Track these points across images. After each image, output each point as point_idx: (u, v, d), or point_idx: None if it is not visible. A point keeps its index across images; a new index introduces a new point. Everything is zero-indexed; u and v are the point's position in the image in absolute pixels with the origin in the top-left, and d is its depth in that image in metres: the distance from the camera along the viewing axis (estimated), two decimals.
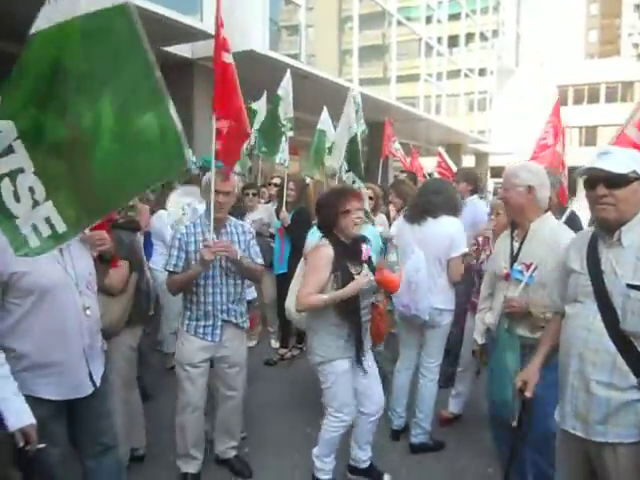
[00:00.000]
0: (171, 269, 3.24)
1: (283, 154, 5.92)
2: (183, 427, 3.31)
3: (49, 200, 1.98)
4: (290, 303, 4.15)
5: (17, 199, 1.96)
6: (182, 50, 9.61)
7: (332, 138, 6.00)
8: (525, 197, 2.82)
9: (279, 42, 11.49)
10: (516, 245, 2.91)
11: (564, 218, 3.30)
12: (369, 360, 3.25)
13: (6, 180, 1.94)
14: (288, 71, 5.89)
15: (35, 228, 1.97)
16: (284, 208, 5.26)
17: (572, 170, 2.94)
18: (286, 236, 5.29)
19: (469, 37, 23.68)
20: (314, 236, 4.14)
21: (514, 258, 2.87)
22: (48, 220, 1.98)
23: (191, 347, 3.26)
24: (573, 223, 3.61)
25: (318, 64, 12.27)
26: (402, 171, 8.61)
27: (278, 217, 5.34)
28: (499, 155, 29.29)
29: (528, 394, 2.33)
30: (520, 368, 2.58)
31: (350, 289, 2.99)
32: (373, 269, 3.22)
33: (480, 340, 3.14)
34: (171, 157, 1.90)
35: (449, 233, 3.67)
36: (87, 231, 2.47)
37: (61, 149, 1.96)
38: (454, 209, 3.85)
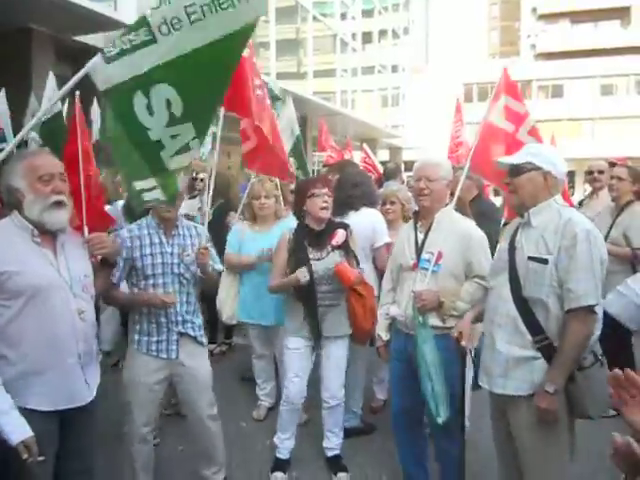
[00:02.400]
0: None
1: (205, 148, 5.88)
2: (132, 458, 2.93)
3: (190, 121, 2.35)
4: (220, 301, 4.20)
5: (150, 113, 2.31)
6: (96, 40, 9.19)
7: None
8: (445, 189, 2.99)
9: None
10: (420, 236, 2.96)
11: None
12: (336, 348, 3.33)
13: (138, 95, 2.27)
14: None
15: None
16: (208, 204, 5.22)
17: None
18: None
19: (382, 34, 24.31)
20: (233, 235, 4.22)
21: (419, 249, 2.93)
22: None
23: (143, 367, 2.87)
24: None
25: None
26: (324, 166, 8.73)
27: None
28: (413, 149, 30.36)
29: (464, 343, 2.58)
30: (435, 361, 2.71)
31: (289, 280, 3.18)
32: (350, 255, 3.30)
33: (385, 336, 3.10)
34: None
35: (371, 224, 3.83)
36: (86, 234, 2.43)
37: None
38: (373, 201, 4.04)
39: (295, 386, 3.34)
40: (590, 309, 2.20)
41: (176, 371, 2.93)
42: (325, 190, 3.29)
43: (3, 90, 5.46)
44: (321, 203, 3.25)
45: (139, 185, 2.51)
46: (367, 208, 3.88)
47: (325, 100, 17.43)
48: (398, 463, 3.19)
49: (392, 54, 25.78)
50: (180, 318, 2.91)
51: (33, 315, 2.13)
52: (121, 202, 4.64)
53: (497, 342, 2.37)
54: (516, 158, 2.42)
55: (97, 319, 2.48)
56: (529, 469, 2.36)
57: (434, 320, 2.84)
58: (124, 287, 2.97)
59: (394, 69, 26.37)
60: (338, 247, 3.27)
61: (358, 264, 3.33)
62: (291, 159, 5.05)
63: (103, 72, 2.24)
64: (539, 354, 2.27)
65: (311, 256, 3.25)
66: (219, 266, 3.19)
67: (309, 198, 3.27)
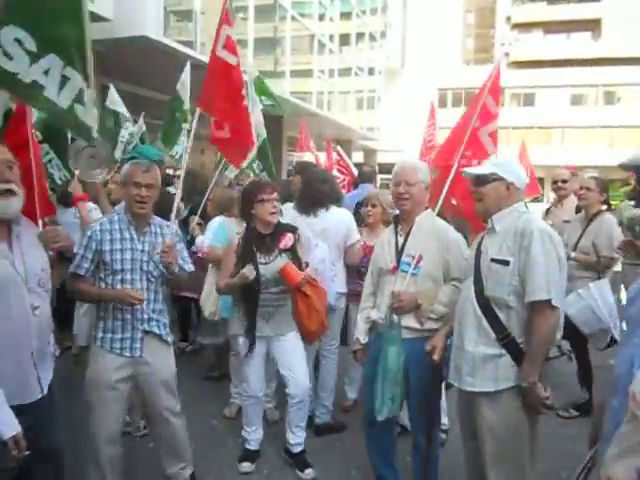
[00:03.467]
0: (73, 270, 2.80)
1: (179, 147, 5.85)
2: (97, 456, 2.85)
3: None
4: (203, 297, 4.25)
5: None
6: None
7: None
8: (424, 193, 3.05)
9: (172, 28, 11.16)
10: (400, 239, 3.01)
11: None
12: (288, 343, 3.40)
13: (77, 104, 2.38)
14: (188, 64, 5.83)
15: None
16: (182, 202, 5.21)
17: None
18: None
19: (359, 36, 24.42)
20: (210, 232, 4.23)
21: (400, 252, 2.98)
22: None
23: (106, 365, 2.81)
24: None
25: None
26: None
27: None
28: (387, 152, 30.56)
29: (436, 357, 2.68)
30: (402, 364, 2.79)
31: (235, 280, 3.26)
32: (297, 258, 3.38)
33: (363, 339, 3.15)
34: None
35: (345, 222, 3.95)
36: (40, 227, 2.37)
37: None
38: (339, 198, 4.12)
39: (253, 382, 3.45)
40: (549, 304, 2.29)
41: (140, 370, 2.87)
42: (274, 195, 3.35)
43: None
44: (271, 208, 3.32)
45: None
46: (335, 207, 3.97)
47: (301, 100, 17.44)
48: (368, 462, 3.23)
49: (369, 57, 25.92)
50: (146, 316, 2.86)
51: None
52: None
53: (465, 342, 2.49)
54: (482, 169, 2.59)
55: (54, 315, 2.43)
56: (487, 462, 2.44)
57: (411, 322, 2.89)
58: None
59: (370, 72, 26.51)
60: (286, 250, 3.36)
61: (302, 267, 3.38)
62: (254, 163, 5.06)
63: None
64: (504, 351, 2.38)
65: (259, 260, 3.31)
66: (189, 266, 3.11)
67: (259, 203, 3.31)
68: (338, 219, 3.94)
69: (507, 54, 44.24)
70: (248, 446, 3.55)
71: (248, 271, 3.19)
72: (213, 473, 3.41)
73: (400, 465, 3.19)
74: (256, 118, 5.33)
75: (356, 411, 4.37)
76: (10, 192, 2.15)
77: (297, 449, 3.53)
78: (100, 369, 2.82)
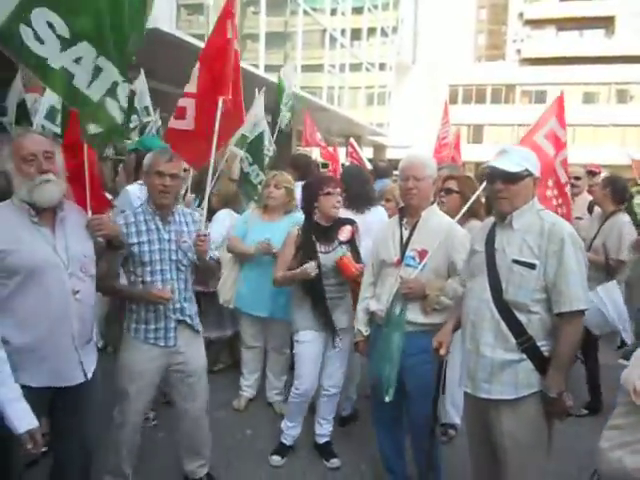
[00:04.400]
0: None
1: None
2: (119, 443, 2.87)
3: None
4: (220, 286, 4.24)
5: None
6: None
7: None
8: (431, 187, 3.04)
9: (183, 21, 11.18)
10: (405, 233, 2.99)
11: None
12: (342, 340, 3.38)
13: (109, 97, 2.33)
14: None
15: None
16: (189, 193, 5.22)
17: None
18: None
19: (371, 31, 24.35)
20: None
21: (404, 245, 2.96)
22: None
23: (141, 356, 2.81)
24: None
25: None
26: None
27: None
28: (397, 148, 30.51)
29: (442, 352, 2.60)
30: (404, 351, 2.80)
31: (297, 274, 3.27)
32: (356, 250, 3.40)
33: (364, 331, 3.12)
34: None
35: (384, 221, 3.90)
36: (90, 214, 2.42)
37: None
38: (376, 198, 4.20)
39: (307, 381, 3.41)
40: (581, 312, 2.24)
41: (174, 359, 2.89)
42: (338, 190, 3.40)
43: (142, 72, 5.45)
44: (335, 202, 3.35)
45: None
46: (374, 207, 4.07)
47: (312, 95, 17.43)
48: (377, 454, 3.26)
49: (380, 52, 25.85)
50: (178, 305, 2.86)
51: (28, 293, 2.15)
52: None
53: (481, 346, 2.37)
54: (515, 166, 2.35)
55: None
56: (510, 472, 2.36)
57: (415, 315, 2.88)
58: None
59: (381, 67, 26.44)
60: (345, 242, 3.37)
61: (360, 260, 3.39)
62: (243, 153, 5.04)
63: None
64: (524, 356, 2.29)
65: (320, 249, 3.34)
66: (215, 253, 3.14)
67: (324, 196, 3.34)
68: (379, 218, 4.01)
69: (519, 51, 43.99)
70: (284, 440, 3.55)
71: (310, 268, 3.20)
72: (222, 465, 3.43)
73: (409, 457, 3.20)
74: (258, 109, 5.34)
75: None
76: (48, 182, 2.21)
77: (322, 440, 3.57)
78: (134, 359, 2.83)
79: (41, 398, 2.24)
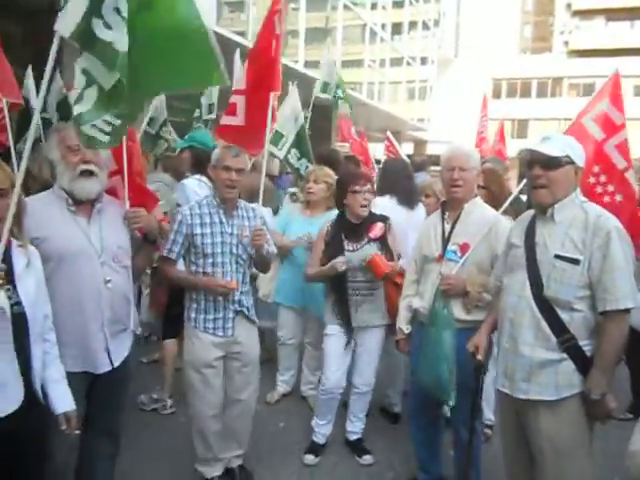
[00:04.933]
0: (165, 254, 2.90)
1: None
2: (205, 433, 2.99)
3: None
4: (259, 280, 4.30)
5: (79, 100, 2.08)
6: None
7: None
8: (476, 179, 2.95)
9: (225, 19, 11.32)
10: (447, 227, 2.91)
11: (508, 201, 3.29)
12: (370, 338, 3.38)
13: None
14: (237, 52, 5.85)
15: (96, 127, 2.09)
16: None
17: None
18: None
19: (412, 25, 24.08)
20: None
21: (446, 240, 2.89)
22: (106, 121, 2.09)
23: (202, 345, 2.90)
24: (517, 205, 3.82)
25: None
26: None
27: None
28: (437, 143, 30.11)
29: (480, 357, 2.54)
30: (456, 347, 2.70)
31: (325, 269, 3.28)
32: (387, 248, 3.34)
33: (406, 329, 3.07)
34: (207, 68, 2.09)
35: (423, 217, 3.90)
36: (127, 206, 2.47)
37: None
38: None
39: (334, 376, 3.40)
40: (627, 311, 2.13)
41: (232, 349, 2.96)
42: (367, 187, 3.34)
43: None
44: (362, 200, 3.31)
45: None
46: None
47: (351, 90, 17.36)
48: (411, 453, 3.22)
49: (421, 46, 25.52)
50: (236, 297, 2.93)
51: (60, 279, 2.23)
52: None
53: (519, 345, 2.27)
54: (555, 150, 2.23)
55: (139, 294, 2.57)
56: (548, 475, 2.28)
57: (458, 312, 2.81)
58: (180, 264, 3.05)
59: (423, 61, 26.11)
60: (375, 240, 3.32)
61: (393, 258, 3.34)
62: (293, 150, 5.06)
63: (62, 20, 2.10)
64: (565, 355, 2.19)
65: (347, 247, 3.31)
66: (273, 249, 3.17)
67: (351, 194, 3.31)
68: (423, 214, 3.95)
69: (566, 42, 42.67)
70: (315, 439, 3.54)
71: (339, 262, 3.19)
72: (254, 457, 3.45)
73: (443, 457, 3.15)
74: (293, 104, 5.33)
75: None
76: (90, 173, 2.29)
77: (353, 437, 3.56)
78: (197, 349, 2.91)
79: (78, 384, 2.29)
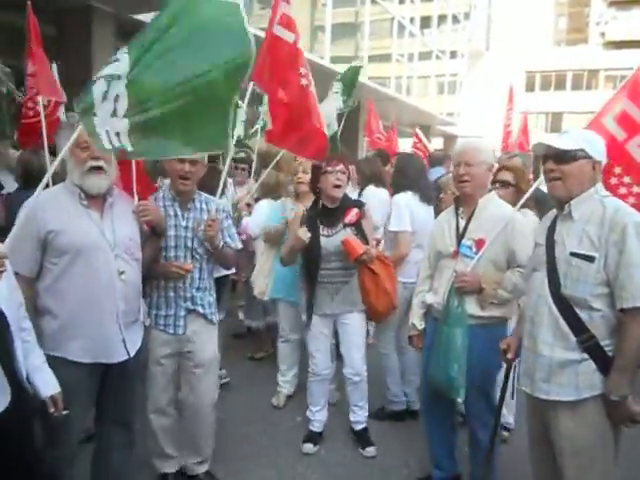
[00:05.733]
0: None
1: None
2: (152, 426, 2.94)
3: (126, 118, 2.10)
4: (254, 277, 4.28)
5: (104, 98, 2.09)
6: (151, 18, 9.36)
7: None
8: (486, 174, 2.91)
9: (255, 16, 11.36)
10: (462, 222, 2.88)
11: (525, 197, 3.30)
12: (351, 324, 3.40)
13: (102, 80, 2.10)
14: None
15: (107, 133, 2.11)
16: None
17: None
18: None
19: (441, 18, 23.77)
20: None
21: (461, 235, 2.86)
22: (118, 135, 2.11)
23: (153, 341, 2.84)
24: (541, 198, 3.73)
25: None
26: (374, 149, 8.58)
27: None
28: (468, 138, 29.69)
29: (510, 356, 2.50)
30: (467, 345, 2.68)
31: (293, 242, 3.30)
32: (362, 233, 3.33)
33: (419, 325, 3.06)
34: (220, 135, 2.16)
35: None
36: (136, 200, 2.52)
37: (150, 89, 2.11)
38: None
39: (318, 359, 3.47)
40: None
41: (184, 347, 2.86)
42: (340, 167, 3.32)
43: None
44: (334, 180, 3.29)
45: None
46: None
47: (380, 85, 17.25)
48: (427, 451, 3.18)
49: (451, 39, 25.18)
50: (189, 294, 2.83)
51: (75, 273, 2.28)
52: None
53: (539, 344, 2.23)
54: (569, 143, 2.19)
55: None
56: (568, 476, 2.22)
57: (472, 308, 2.77)
58: None
59: (453, 55, 25.76)
60: (351, 225, 3.32)
61: (367, 243, 3.32)
62: None
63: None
64: (586, 355, 2.12)
65: (322, 232, 3.32)
66: (236, 243, 3.05)
67: (323, 175, 3.32)
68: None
69: (603, 34, 41.49)
70: (312, 427, 3.57)
71: (301, 232, 3.20)
72: (272, 450, 3.49)
73: (460, 456, 3.12)
74: (328, 108, 5.30)
75: None
76: (99, 169, 2.34)
77: (358, 427, 3.56)
78: (151, 344, 2.84)
79: (91, 373, 2.38)
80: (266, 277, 4.17)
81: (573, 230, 2.19)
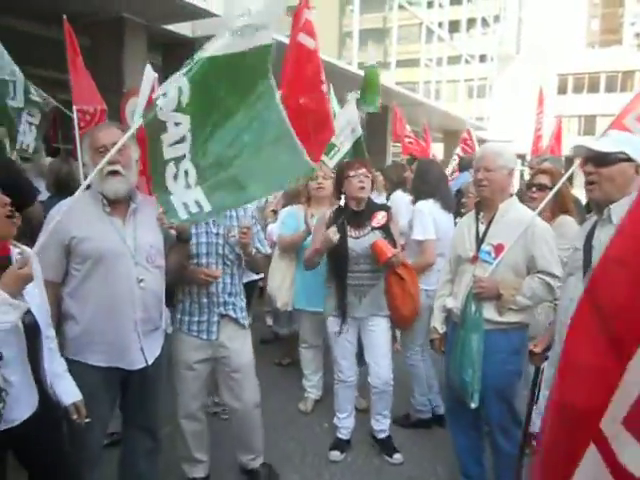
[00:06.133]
0: None
1: None
2: (182, 431, 2.98)
3: (198, 186, 2.29)
4: (273, 288, 4.26)
5: (175, 179, 2.30)
6: (184, 29, 9.56)
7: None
8: (506, 179, 2.86)
9: (282, 23, 11.45)
10: (482, 227, 2.86)
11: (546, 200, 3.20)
12: (376, 329, 3.38)
13: (172, 163, 2.29)
14: None
15: (185, 205, 2.30)
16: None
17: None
18: None
19: (470, 22, 23.59)
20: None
21: (480, 240, 2.84)
22: (197, 202, 2.29)
23: (185, 347, 2.88)
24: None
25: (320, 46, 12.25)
26: (407, 154, 8.49)
27: None
28: (498, 142, 29.32)
29: (537, 349, 2.51)
30: (483, 351, 2.66)
31: (320, 243, 3.28)
32: (391, 236, 3.33)
33: (440, 329, 3.04)
34: (296, 164, 2.27)
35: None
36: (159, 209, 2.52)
37: (213, 151, 2.29)
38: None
39: (343, 366, 3.46)
40: None
41: (219, 353, 2.91)
42: (362, 170, 3.33)
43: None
44: (357, 183, 3.30)
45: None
46: None
47: (409, 90, 17.18)
48: (455, 459, 3.14)
49: (481, 43, 24.93)
50: (222, 299, 2.88)
51: (97, 278, 2.30)
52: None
53: None
54: (608, 146, 2.15)
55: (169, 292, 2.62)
56: None
57: (491, 313, 2.74)
58: None
59: (482, 59, 25.50)
60: (378, 228, 3.31)
61: (396, 246, 3.31)
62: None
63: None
64: None
65: (350, 234, 3.31)
66: (266, 249, 3.13)
67: (346, 179, 3.33)
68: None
69: (638, 34, 40.55)
70: (339, 435, 3.56)
71: (332, 232, 3.19)
72: (298, 455, 3.49)
73: (488, 463, 3.07)
74: (350, 114, 5.28)
75: None
76: (116, 172, 2.34)
77: (381, 435, 3.53)
78: (181, 350, 2.89)
79: (110, 378, 2.40)
80: (288, 289, 4.15)
81: (611, 235, 2.13)
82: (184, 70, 2.18)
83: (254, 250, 2.93)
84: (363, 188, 3.32)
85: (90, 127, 4.20)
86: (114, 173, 2.34)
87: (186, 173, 2.28)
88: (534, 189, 3.43)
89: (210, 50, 2.18)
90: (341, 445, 3.53)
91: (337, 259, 3.32)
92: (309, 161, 2.27)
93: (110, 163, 2.29)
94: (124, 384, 2.47)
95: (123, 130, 2.44)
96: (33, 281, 1.88)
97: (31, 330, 1.91)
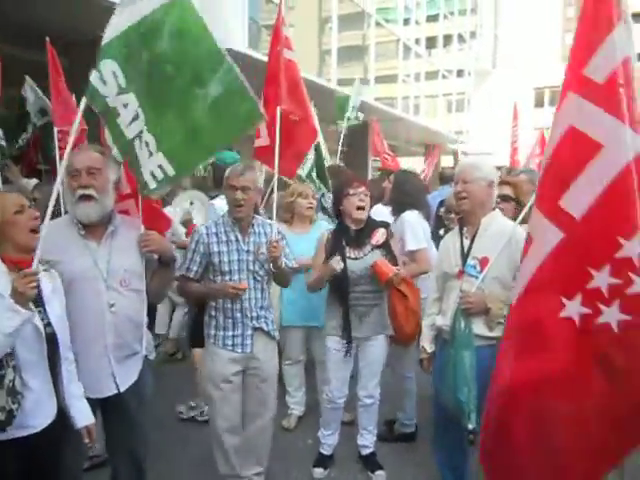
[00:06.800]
0: (183, 272, 2.96)
1: None
2: (223, 448, 3.03)
3: (160, 152, 2.35)
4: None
5: (141, 151, 2.36)
6: None
7: None
8: (485, 192, 2.87)
9: (260, 41, 11.54)
10: (466, 242, 2.87)
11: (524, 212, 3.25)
12: (373, 348, 3.36)
13: (137, 141, 2.36)
14: None
15: (152, 174, 2.37)
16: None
17: None
18: None
19: (447, 39, 23.95)
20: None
21: (466, 255, 2.84)
22: (161, 167, 2.35)
23: (221, 361, 2.96)
24: None
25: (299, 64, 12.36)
26: (380, 170, 8.64)
27: None
28: (477, 156, 29.65)
29: None
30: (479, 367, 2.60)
31: (322, 271, 3.24)
32: (391, 254, 3.30)
33: (429, 348, 3.05)
34: (248, 110, 2.30)
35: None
36: (142, 230, 2.52)
37: (165, 115, 2.34)
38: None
39: (334, 386, 3.40)
40: None
41: (250, 364, 3.00)
42: (362, 189, 3.30)
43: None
44: (357, 202, 3.27)
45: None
46: None
47: (387, 106, 17.34)
48: (438, 474, 3.15)
49: (458, 59, 25.34)
50: (255, 313, 2.98)
51: (69, 302, 2.25)
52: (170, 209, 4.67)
53: None
54: None
55: (151, 316, 2.59)
56: None
57: (480, 328, 2.73)
58: None
59: (459, 74, 25.89)
60: (378, 247, 3.28)
61: (397, 263, 3.29)
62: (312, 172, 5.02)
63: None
64: None
65: (349, 255, 3.26)
66: (292, 263, 3.19)
67: (345, 197, 3.30)
68: None
69: None
70: (322, 450, 3.54)
71: (335, 262, 3.16)
72: (281, 472, 3.47)
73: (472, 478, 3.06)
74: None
75: None
76: (88, 197, 2.32)
77: (365, 451, 3.51)
78: (215, 365, 2.97)
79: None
80: (275, 308, 4.10)
81: None
82: (100, 56, 2.32)
83: (283, 263, 2.99)
84: (363, 208, 3.29)
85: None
86: (86, 197, 2.32)
87: (147, 144, 2.34)
88: (498, 200, 3.48)
89: (118, 27, 2.32)
90: (324, 461, 3.51)
91: (337, 282, 3.27)
92: (259, 105, 2.33)
93: (81, 187, 2.30)
94: (103, 409, 2.43)
95: (102, 153, 2.46)
96: (53, 294, 2.04)
97: (50, 341, 1.97)
